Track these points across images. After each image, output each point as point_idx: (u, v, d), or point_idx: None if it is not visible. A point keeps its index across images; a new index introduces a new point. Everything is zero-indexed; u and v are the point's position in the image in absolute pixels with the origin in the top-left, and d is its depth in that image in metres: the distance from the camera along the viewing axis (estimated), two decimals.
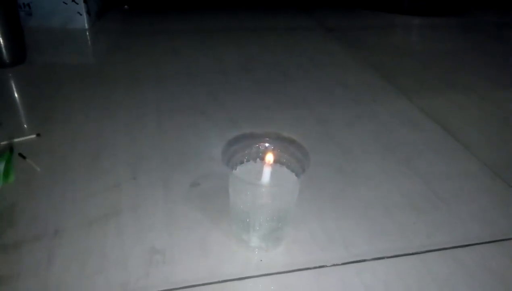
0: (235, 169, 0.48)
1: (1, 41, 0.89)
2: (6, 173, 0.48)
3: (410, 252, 0.49)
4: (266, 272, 0.45)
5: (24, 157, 0.61)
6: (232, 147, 0.47)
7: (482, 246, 0.50)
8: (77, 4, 1.14)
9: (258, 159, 0.49)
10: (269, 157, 0.46)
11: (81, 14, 1.16)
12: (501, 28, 1.45)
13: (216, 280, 0.44)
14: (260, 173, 0.45)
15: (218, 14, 1.42)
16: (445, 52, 1.18)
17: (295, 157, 0.47)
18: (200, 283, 0.43)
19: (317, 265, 0.46)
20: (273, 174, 0.45)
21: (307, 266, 0.46)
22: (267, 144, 0.48)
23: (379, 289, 0.44)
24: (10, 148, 0.48)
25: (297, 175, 0.46)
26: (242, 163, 0.48)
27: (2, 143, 0.63)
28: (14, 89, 0.86)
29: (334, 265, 0.46)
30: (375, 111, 0.81)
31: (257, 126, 0.74)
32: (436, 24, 1.43)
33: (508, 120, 0.81)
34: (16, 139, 0.65)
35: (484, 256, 0.49)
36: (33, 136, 0.66)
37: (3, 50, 0.90)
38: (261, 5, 1.55)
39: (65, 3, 1.14)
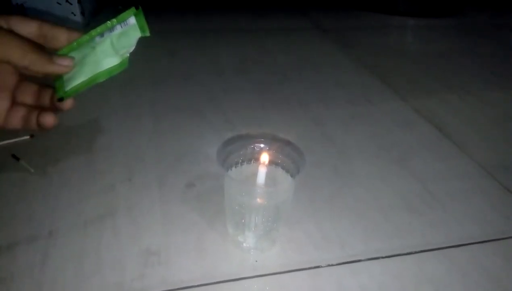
0: (230, 170, 0.48)
1: None
2: (142, 27, 0.42)
3: (405, 252, 0.49)
4: (262, 273, 0.45)
5: (17, 159, 0.60)
6: (227, 147, 0.47)
7: (477, 245, 0.50)
8: (71, 4, 1.14)
9: (253, 160, 0.49)
10: (264, 158, 0.46)
11: (75, 15, 1.16)
12: (495, 29, 1.46)
13: (212, 281, 0.44)
14: (255, 173, 0.45)
15: (214, 15, 1.42)
16: (440, 53, 1.18)
17: (290, 158, 0.47)
18: (196, 284, 0.43)
19: (312, 265, 0.46)
20: (268, 174, 0.45)
21: (302, 267, 0.46)
22: (262, 145, 0.48)
23: (374, 289, 0.44)
24: (136, 5, 0.41)
25: (292, 175, 0.47)
26: (237, 163, 0.48)
27: (1, 143, 0.63)
28: None
29: (329, 265, 0.47)
30: (371, 112, 0.81)
31: (253, 126, 0.74)
32: (431, 25, 1.44)
33: (502, 120, 0.81)
34: (9, 141, 0.64)
35: (478, 256, 0.49)
36: (27, 137, 0.66)
37: None
38: (257, 6, 1.55)
39: (59, 4, 1.13)
